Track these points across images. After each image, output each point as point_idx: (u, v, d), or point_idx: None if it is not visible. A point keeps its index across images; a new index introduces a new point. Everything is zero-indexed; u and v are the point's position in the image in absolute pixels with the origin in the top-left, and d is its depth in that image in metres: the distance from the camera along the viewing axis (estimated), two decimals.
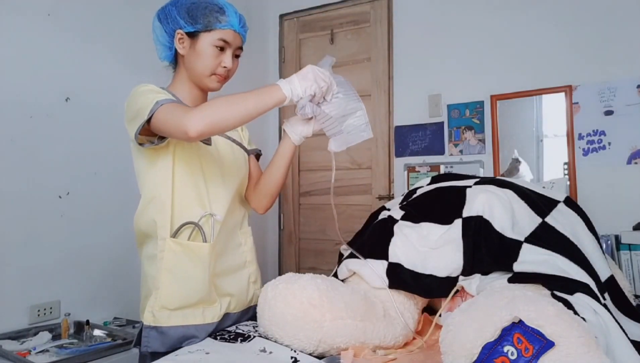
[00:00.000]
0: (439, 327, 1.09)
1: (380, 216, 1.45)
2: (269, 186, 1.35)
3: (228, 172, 1.29)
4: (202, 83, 1.24)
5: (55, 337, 1.81)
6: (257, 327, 1.17)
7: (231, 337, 1.14)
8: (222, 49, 1.21)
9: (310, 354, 1.03)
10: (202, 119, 1.02)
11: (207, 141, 1.26)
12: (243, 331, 1.18)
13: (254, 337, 1.12)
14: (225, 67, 1.22)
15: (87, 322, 1.87)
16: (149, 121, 1.08)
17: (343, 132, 1.17)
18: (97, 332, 1.88)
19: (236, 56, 1.27)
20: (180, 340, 1.15)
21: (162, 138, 1.13)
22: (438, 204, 1.33)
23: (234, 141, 1.35)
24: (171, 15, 1.21)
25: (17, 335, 1.77)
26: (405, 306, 1.18)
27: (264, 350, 1.04)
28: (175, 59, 1.28)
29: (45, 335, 1.77)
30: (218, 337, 1.15)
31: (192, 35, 1.20)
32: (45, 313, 1.89)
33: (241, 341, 1.11)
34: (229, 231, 1.28)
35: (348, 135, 1.18)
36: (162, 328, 1.14)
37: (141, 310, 1.20)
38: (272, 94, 1.07)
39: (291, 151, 1.29)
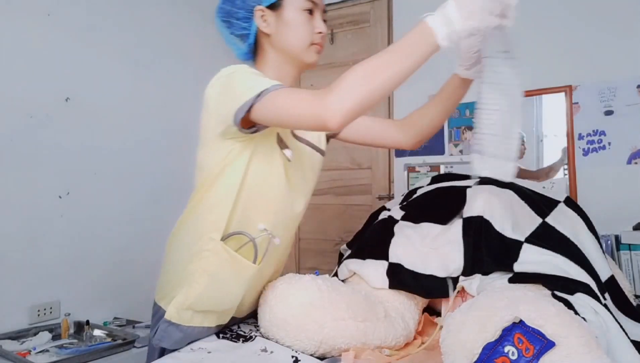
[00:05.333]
0: (439, 326, 1.09)
1: (381, 217, 1.45)
2: (420, 123, 1.19)
3: (302, 191, 1.14)
4: (300, 58, 1.09)
5: (55, 337, 1.81)
6: (258, 327, 1.17)
7: (233, 336, 1.14)
8: (310, 12, 1.07)
9: (311, 355, 1.03)
10: (345, 100, 0.82)
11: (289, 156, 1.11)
12: (244, 332, 1.18)
13: (255, 336, 1.12)
14: (320, 32, 1.08)
15: (87, 322, 1.87)
16: (250, 107, 0.91)
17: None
18: (97, 332, 1.88)
19: (324, 21, 1.11)
20: (194, 339, 1.11)
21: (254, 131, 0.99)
22: (438, 204, 1.33)
23: (312, 145, 1.19)
24: None
25: (17, 335, 1.77)
26: (405, 307, 1.17)
27: (265, 350, 1.04)
28: (255, 47, 1.14)
29: (45, 335, 1.77)
30: (220, 335, 1.15)
31: (275, 6, 1.06)
32: (45, 313, 1.89)
33: (243, 341, 1.11)
34: (277, 255, 1.18)
35: (495, 159, 0.91)
36: (182, 327, 1.08)
37: (161, 296, 1.14)
38: (420, 46, 0.83)
39: (453, 84, 1.09)
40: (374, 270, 1.22)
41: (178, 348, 1.09)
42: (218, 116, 0.99)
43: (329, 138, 1.29)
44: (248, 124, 0.96)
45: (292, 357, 1.00)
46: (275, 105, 0.90)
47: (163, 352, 1.10)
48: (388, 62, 0.84)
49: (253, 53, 1.15)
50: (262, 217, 1.08)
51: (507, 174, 0.90)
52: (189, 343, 1.10)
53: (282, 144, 1.08)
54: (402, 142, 1.23)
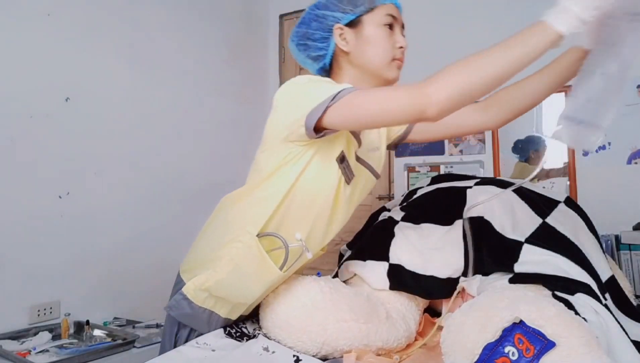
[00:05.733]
0: (440, 328, 1.09)
1: (381, 217, 1.45)
2: (515, 97, 1.09)
3: (344, 212, 1.11)
4: (381, 75, 1.07)
5: (55, 337, 1.81)
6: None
7: (237, 334, 1.14)
8: (390, 27, 1.05)
9: (313, 356, 1.02)
10: (446, 88, 0.80)
11: (349, 177, 1.07)
12: (249, 331, 1.18)
13: (259, 334, 1.12)
14: (401, 47, 1.06)
15: (87, 322, 1.87)
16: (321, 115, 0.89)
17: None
18: (97, 332, 1.88)
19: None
20: (200, 322, 1.13)
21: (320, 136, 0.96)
22: (438, 205, 1.33)
23: (372, 169, 1.16)
24: (321, 17, 1.07)
25: (17, 335, 1.77)
26: (406, 308, 1.17)
27: (267, 349, 1.03)
28: (330, 67, 1.13)
29: (45, 335, 1.77)
30: (227, 330, 1.15)
31: (354, 24, 1.05)
32: (45, 313, 1.89)
33: (247, 340, 1.11)
34: (300, 267, 1.17)
35: (581, 127, 0.83)
36: (193, 305, 1.11)
37: (186, 269, 1.15)
38: (531, 37, 0.80)
39: (573, 57, 0.97)
40: (375, 271, 1.22)
41: (187, 324, 1.14)
42: (287, 119, 0.98)
43: (395, 145, 1.26)
44: (316, 129, 0.94)
45: (294, 356, 1.00)
46: (361, 102, 0.89)
47: (179, 327, 1.14)
48: (493, 54, 0.81)
49: (328, 72, 1.13)
50: (300, 227, 1.07)
51: (591, 144, 0.83)
52: (197, 336, 1.12)
53: (343, 165, 1.05)
54: (486, 123, 1.15)
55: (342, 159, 1.04)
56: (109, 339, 1.82)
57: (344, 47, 1.07)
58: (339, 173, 1.04)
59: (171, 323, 1.17)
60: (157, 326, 2.01)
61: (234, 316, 1.17)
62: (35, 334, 1.78)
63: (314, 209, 1.06)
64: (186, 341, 1.14)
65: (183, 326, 1.16)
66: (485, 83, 0.81)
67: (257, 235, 1.05)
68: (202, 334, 1.15)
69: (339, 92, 0.90)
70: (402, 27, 1.09)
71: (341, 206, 1.09)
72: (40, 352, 1.65)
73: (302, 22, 1.12)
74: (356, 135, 1.10)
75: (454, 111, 0.85)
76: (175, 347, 1.12)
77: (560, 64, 1.02)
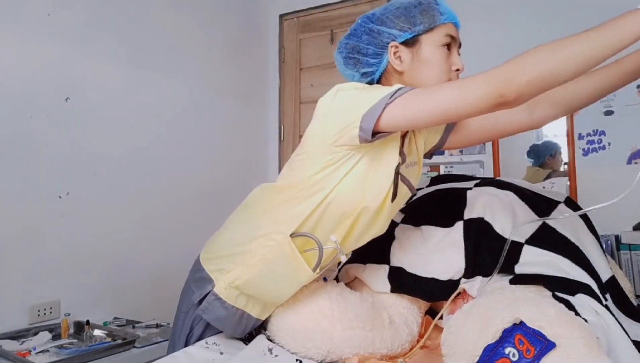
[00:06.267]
0: (441, 329, 1.09)
1: None
2: (569, 95, 1.03)
3: (379, 225, 1.07)
4: None
5: (55, 337, 1.80)
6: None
7: (246, 336, 1.14)
8: (448, 47, 1.01)
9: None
10: (527, 70, 0.76)
11: (396, 192, 1.02)
12: (254, 334, 1.17)
13: (263, 333, 1.12)
14: (458, 69, 1.03)
15: (87, 322, 1.87)
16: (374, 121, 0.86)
17: None
18: (97, 332, 1.88)
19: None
20: (233, 323, 1.09)
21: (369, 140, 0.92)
22: (438, 206, 1.33)
23: (410, 186, 1.10)
24: (375, 32, 1.03)
25: (17, 335, 1.76)
26: (409, 311, 1.17)
27: (270, 350, 1.03)
28: (378, 83, 1.08)
29: (45, 335, 1.77)
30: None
31: (410, 43, 1.01)
32: (45, 313, 1.89)
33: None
34: (328, 270, 1.15)
35: None
36: (226, 305, 1.07)
37: (208, 257, 1.12)
38: (622, 25, 0.74)
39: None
40: (375, 274, 1.21)
41: (219, 328, 1.10)
42: (337, 124, 0.94)
43: (430, 155, 1.23)
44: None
45: (297, 360, 1.00)
46: (427, 98, 0.86)
47: (192, 327, 1.11)
48: (583, 37, 0.76)
49: None
50: (336, 231, 1.03)
51: None
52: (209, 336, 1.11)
53: (397, 176, 1.00)
54: (531, 123, 1.10)
55: (398, 169, 1.00)
56: (109, 339, 1.82)
57: (398, 67, 1.03)
58: (389, 184, 0.99)
59: (182, 322, 1.14)
60: (157, 326, 2.01)
61: (263, 317, 1.13)
62: (35, 334, 1.78)
63: (352, 216, 1.01)
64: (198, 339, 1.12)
65: (196, 325, 1.12)
66: (572, 67, 0.76)
67: (291, 235, 1.01)
68: (215, 333, 1.12)
69: (397, 90, 0.88)
70: (459, 46, 1.06)
71: (382, 218, 1.05)
72: (40, 352, 1.65)
73: (352, 34, 1.09)
74: (400, 150, 1.05)
75: (534, 97, 0.81)
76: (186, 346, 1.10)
77: (633, 63, 0.97)
